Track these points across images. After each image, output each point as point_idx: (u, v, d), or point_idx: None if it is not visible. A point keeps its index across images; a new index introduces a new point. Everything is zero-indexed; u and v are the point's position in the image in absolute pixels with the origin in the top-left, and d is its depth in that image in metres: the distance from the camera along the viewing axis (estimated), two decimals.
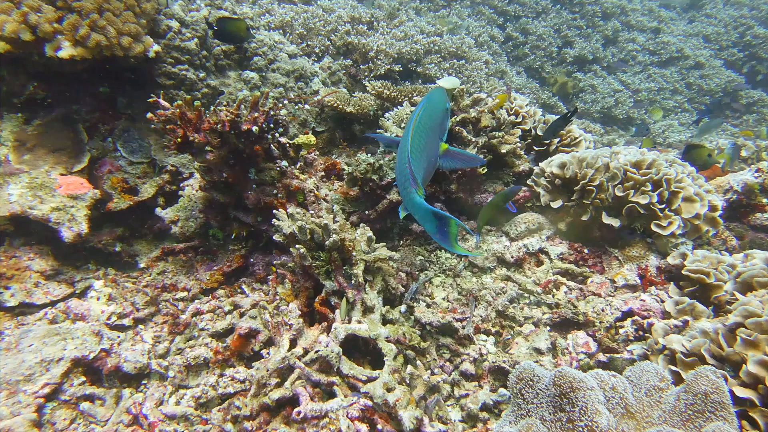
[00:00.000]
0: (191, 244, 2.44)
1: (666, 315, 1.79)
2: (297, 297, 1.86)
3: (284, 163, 2.37)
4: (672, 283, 1.93)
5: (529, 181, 2.33)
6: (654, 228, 1.99)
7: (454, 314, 2.02)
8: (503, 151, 2.33)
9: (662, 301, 1.87)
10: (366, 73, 4.11)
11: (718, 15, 8.82)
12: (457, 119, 2.30)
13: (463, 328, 1.95)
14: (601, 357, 1.76)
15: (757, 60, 8.06)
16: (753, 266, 1.62)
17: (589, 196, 2.10)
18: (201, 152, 2.13)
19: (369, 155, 2.31)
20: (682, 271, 1.85)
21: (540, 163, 2.35)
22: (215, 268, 2.36)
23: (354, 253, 1.79)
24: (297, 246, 1.74)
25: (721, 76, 7.62)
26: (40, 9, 2.03)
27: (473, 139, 2.29)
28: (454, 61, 4.69)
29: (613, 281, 2.02)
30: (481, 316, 1.99)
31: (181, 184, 2.49)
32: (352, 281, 1.78)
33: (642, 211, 2.01)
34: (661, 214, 1.99)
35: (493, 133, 2.30)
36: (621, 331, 1.78)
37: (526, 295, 2.07)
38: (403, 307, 1.92)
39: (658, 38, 7.96)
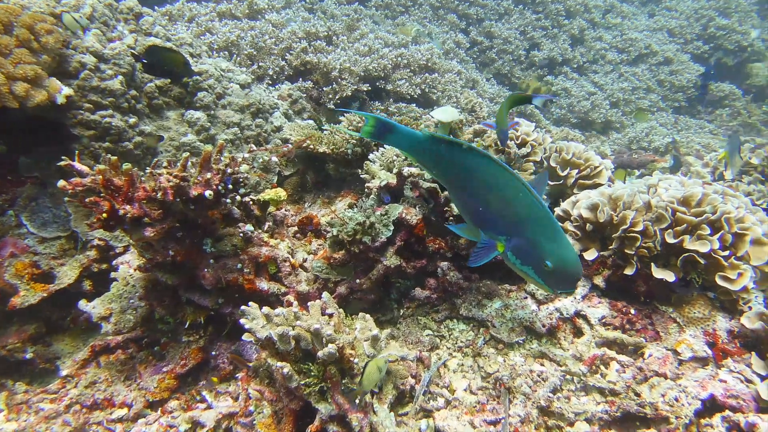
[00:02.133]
0: (131, 335, 1.96)
1: (762, 404, 1.45)
2: (279, 424, 1.42)
3: (249, 227, 1.93)
4: (754, 353, 1.60)
5: None
6: (720, 282, 1.66)
7: (484, 415, 1.62)
8: None
9: (748, 381, 1.53)
10: (330, 96, 3.73)
11: (678, 7, 8.84)
12: None
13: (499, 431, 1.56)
14: None
15: (723, 51, 8.06)
16: None
17: (632, 245, 1.75)
18: (137, 227, 1.67)
19: (355, 210, 1.90)
20: None
21: (562, 203, 1.99)
22: (165, 369, 1.89)
23: (356, 360, 1.37)
24: (279, 365, 1.31)
25: (691, 71, 7.57)
26: None
27: None
28: (426, 75, 4.37)
29: (676, 353, 1.67)
30: (519, 416, 1.60)
31: (114, 262, 2.01)
32: (356, 400, 1.36)
33: (702, 261, 1.67)
34: (726, 264, 1.66)
35: None
36: None
37: (568, 377, 1.70)
38: (423, 424, 1.51)
39: (625, 35, 7.88)
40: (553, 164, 2.13)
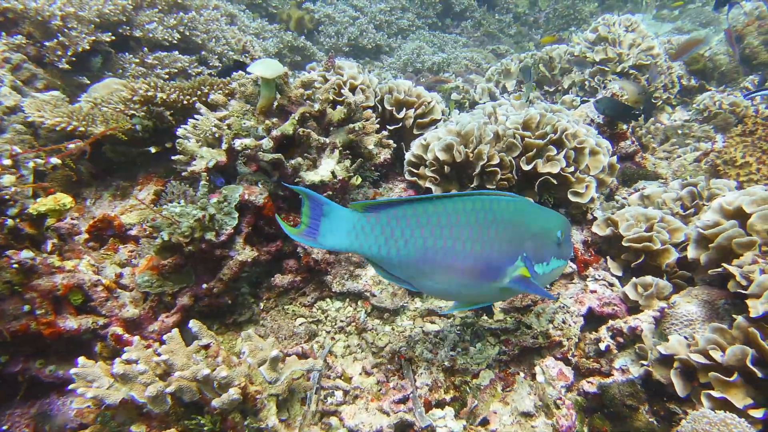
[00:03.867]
0: None
1: (629, 303, 1.69)
2: None
3: (26, 254, 1.48)
4: (608, 257, 1.84)
5: (408, 176, 1.95)
6: (571, 197, 1.85)
7: (390, 395, 1.58)
8: (370, 146, 1.87)
9: (610, 285, 1.77)
10: (59, 52, 3.05)
11: None
12: (296, 118, 1.73)
13: (410, 409, 1.53)
14: (587, 387, 1.56)
15: None
16: (712, 222, 1.58)
17: (492, 179, 1.83)
18: None
19: (182, 203, 1.59)
20: (623, 243, 1.76)
21: (411, 147, 1.97)
22: None
23: (257, 392, 1.17)
24: None
25: None
26: None
27: (325, 141, 1.77)
28: (180, 14, 3.86)
29: None
30: (427, 385, 1.59)
31: None
32: None
33: (555, 182, 1.84)
34: (574, 179, 1.85)
35: (351, 126, 1.81)
36: (601, 345, 1.60)
37: (459, 329, 1.75)
38: None
39: None
40: (388, 107, 2.08)
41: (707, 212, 1.62)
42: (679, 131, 3.54)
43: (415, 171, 1.92)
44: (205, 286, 1.65)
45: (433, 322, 1.75)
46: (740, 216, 1.54)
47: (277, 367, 1.25)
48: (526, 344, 1.64)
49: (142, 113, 1.99)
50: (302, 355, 1.64)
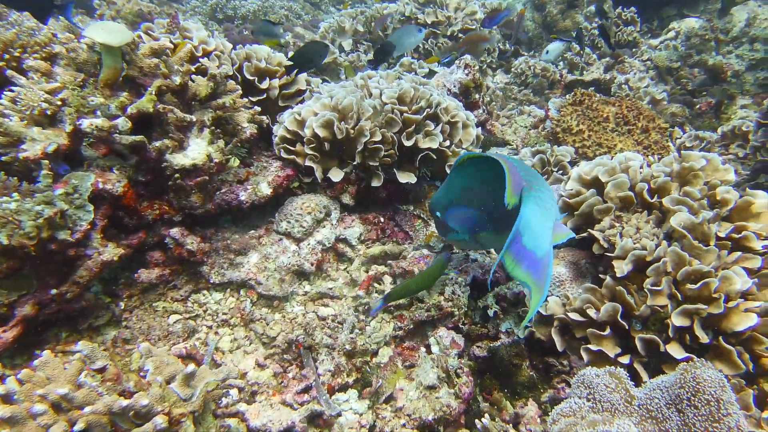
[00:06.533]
0: None
1: None
2: None
3: None
4: None
5: (284, 154, 1.87)
6: (448, 171, 1.96)
7: (292, 386, 1.57)
8: (243, 123, 1.75)
9: (488, 252, 1.93)
10: None
11: None
12: (153, 92, 1.55)
13: (314, 398, 1.54)
14: (477, 351, 1.70)
15: None
16: (574, 191, 1.80)
17: (374, 156, 1.86)
18: None
19: (15, 196, 1.33)
20: None
21: (283, 122, 1.90)
22: None
23: (182, 416, 1.07)
24: None
25: None
26: None
27: (192, 119, 1.61)
28: None
29: (431, 247, 1.94)
30: (330, 371, 1.60)
31: None
32: None
33: (435, 156, 1.93)
34: (450, 153, 1.96)
35: (221, 101, 1.67)
36: (489, 311, 1.74)
37: (356, 309, 1.77)
38: None
39: None
40: (249, 76, 1.95)
41: (568, 182, 1.85)
42: (504, 95, 3.92)
43: (292, 149, 1.86)
44: (54, 291, 1.43)
45: (326, 306, 1.75)
46: (596, 185, 1.79)
47: (192, 383, 1.15)
48: (420, 318, 1.72)
49: None
50: (187, 357, 1.55)
